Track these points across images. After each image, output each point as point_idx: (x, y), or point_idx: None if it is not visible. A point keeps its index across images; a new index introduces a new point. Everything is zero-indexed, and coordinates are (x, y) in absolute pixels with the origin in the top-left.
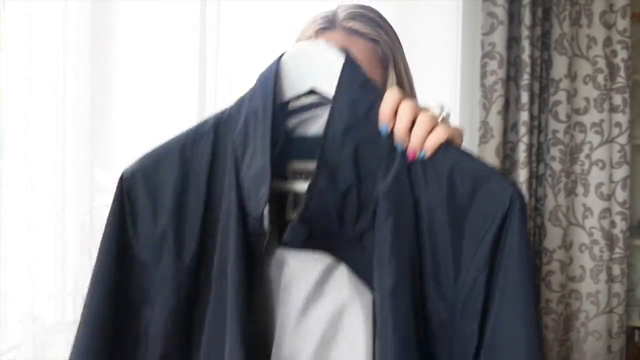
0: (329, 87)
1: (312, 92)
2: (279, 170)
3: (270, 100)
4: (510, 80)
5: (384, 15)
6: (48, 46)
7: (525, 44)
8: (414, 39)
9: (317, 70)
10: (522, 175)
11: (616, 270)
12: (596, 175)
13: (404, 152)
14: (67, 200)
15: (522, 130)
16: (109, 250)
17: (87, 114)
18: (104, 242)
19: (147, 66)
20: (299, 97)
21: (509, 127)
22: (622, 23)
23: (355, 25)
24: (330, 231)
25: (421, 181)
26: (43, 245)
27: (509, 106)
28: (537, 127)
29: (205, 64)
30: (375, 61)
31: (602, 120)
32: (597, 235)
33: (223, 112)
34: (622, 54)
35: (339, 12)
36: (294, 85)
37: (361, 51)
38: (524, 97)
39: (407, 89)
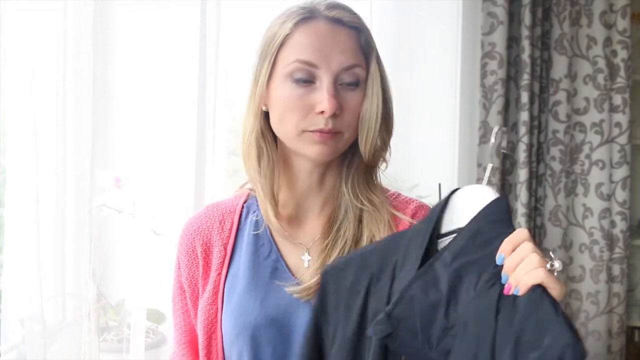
0: None
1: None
2: None
3: (430, 229)
4: (510, 80)
5: None
6: (49, 49)
7: (525, 44)
8: (414, 40)
9: (473, 211)
10: (522, 175)
11: (616, 270)
12: (596, 175)
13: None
14: (67, 200)
15: (522, 130)
16: (311, 329)
17: (87, 114)
18: (309, 323)
19: (147, 68)
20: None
21: (509, 127)
22: (622, 23)
23: (338, 14)
24: (416, 339)
25: (507, 311)
26: (43, 245)
27: (509, 106)
28: (537, 127)
29: (205, 67)
30: (359, 49)
31: (602, 120)
32: (597, 235)
33: (407, 230)
34: (622, 54)
35: (315, 3)
36: (452, 219)
37: (347, 39)
38: (524, 97)
39: (386, 79)
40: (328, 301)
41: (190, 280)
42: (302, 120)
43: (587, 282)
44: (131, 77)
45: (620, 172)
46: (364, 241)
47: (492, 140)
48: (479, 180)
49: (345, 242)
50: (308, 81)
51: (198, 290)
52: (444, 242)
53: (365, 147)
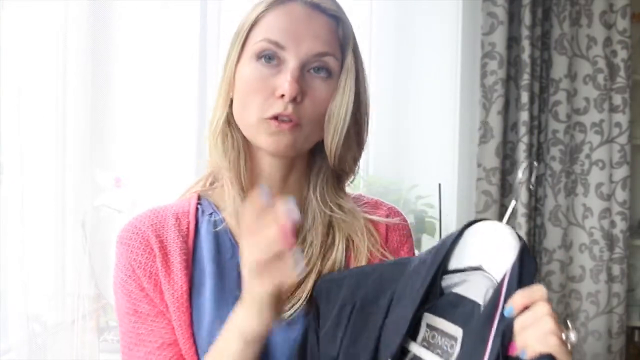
0: (495, 268)
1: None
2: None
3: (438, 262)
4: (510, 80)
5: None
6: (49, 48)
7: (525, 44)
8: (414, 40)
9: (489, 252)
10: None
11: (616, 270)
12: (596, 175)
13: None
14: (67, 200)
15: (522, 130)
16: (309, 340)
17: (87, 114)
18: (308, 335)
19: (147, 68)
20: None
21: (509, 127)
22: (622, 23)
23: None
24: None
25: None
26: (43, 245)
27: (509, 106)
28: (537, 127)
29: (205, 67)
30: (335, 39)
31: (602, 120)
32: (597, 235)
33: (412, 259)
34: (622, 54)
35: None
36: (462, 254)
37: (323, 26)
38: (524, 97)
39: (363, 78)
40: (320, 311)
41: (149, 275)
42: (263, 103)
43: (587, 282)
44: (131, 77)
45: (620, 172)
46: (337, 248)
47: (519, 175)
48: (478, 180)
49: (313, 251)
50: (273, 60)
51: (160, 285)
52: (450, 279)
53: (331, 147)
